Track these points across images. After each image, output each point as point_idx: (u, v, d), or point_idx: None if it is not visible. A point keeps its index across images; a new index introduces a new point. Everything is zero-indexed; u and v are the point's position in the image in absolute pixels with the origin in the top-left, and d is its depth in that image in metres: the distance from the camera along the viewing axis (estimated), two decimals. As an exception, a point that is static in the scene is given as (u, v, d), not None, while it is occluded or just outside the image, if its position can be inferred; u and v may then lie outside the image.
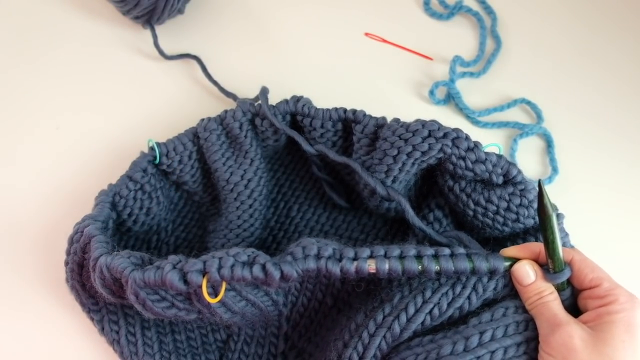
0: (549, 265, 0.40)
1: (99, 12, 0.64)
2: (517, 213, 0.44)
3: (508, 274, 0.41)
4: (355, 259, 0.39)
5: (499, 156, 0.44)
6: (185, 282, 0.39)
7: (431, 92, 0.59)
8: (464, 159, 0.44)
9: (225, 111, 0.52)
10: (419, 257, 0.40)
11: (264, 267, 0.39)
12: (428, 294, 0.42)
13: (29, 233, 0.55)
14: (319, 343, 0.49)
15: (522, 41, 0.63)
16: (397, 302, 0.42)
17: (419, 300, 0.42)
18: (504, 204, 0.44)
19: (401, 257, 0.39)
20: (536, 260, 0.41)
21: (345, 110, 0.50)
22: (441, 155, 0.44)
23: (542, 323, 0.39)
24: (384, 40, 0.63)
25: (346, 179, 0.54)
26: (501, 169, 0.44)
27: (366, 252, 0.40)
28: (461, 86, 0.60)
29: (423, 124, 0.45)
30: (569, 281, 0.41)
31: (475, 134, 0.54)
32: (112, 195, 0.49)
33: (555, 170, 0.57)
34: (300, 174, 0.57)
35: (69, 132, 0.59)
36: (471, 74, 0.61)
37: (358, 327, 0.43)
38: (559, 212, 0.43)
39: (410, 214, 0.46)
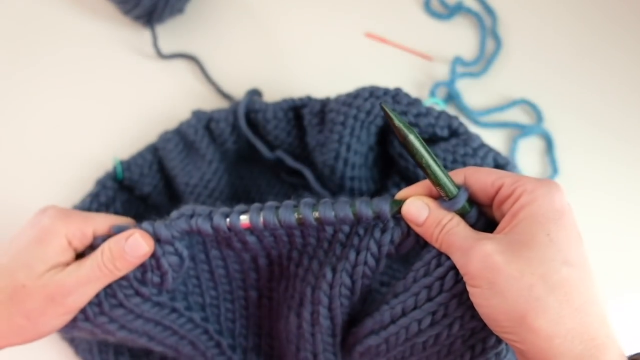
0: (441, 194, 0.34)
1: (99, 11, 0.64)
2: (464, 163, 0.45)
3: (404, 221, 0.35)
4: (227, 215, 0.37)
5: (440, 110, 0.46)
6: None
7: (431, 93, 0.59)
8: (406, 113, 0.46)
9: (181, 122, 0.54)
10: (296, 206, 0.37)
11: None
12: (329, 275, 0.38)
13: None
14: (273, 335, 0.48)
15: (523, 41, 0.63)
16: (311, 296, 0.40)
17: (325, 286, 0.39)
18: (450, 157, 0.45)
19: (277, 208, 0.37)
20: (432, 196, 0.35)
21: (293, 99, 0.52)
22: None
23: (456, 255, 0.32)
24: (385, 41, 0.63)
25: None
26: (443, 121, 0.45)
27: (241, 207, 0.38)
28: (461, 86, 0.60)
29: (364, 87, 0.47)
30: (471, 202, 0.34)
31: (475, 134, 0.54)
32: None
33: (555, 170, 0.57)
34: (267, 176, 0.57)
35: (67, 133, 0.59)
36: (471, 74, 0.61)
37: (297, 329, 0.42)
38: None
39: (311, 179, 0.50)
